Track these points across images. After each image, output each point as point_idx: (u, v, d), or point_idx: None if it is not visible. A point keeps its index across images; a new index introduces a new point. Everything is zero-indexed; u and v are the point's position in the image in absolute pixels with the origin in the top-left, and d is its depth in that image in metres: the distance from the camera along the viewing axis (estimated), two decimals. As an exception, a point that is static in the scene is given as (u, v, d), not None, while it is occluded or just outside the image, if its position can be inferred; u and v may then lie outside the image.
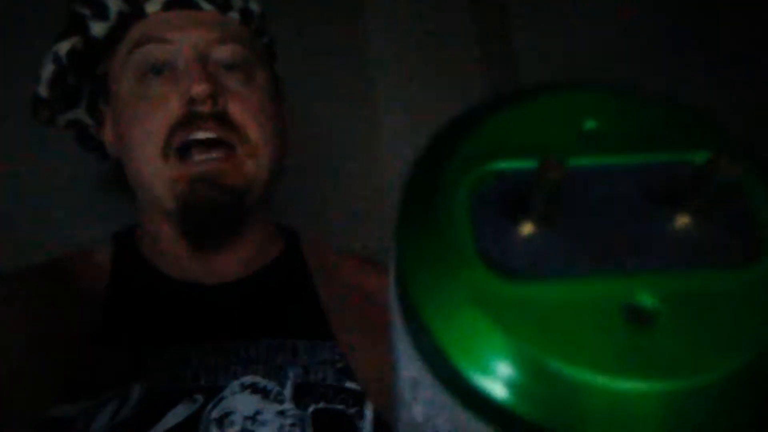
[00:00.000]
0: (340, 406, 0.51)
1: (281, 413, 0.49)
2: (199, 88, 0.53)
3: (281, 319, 0.56)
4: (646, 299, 0.12)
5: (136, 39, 0.57)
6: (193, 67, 0.55)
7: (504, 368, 0.12)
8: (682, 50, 0.92)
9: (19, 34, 0.79)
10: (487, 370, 0.12)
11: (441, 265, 0.13)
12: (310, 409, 0.50)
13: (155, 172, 0.55)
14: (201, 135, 0.54)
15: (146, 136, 0.55)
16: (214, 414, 0.48)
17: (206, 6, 0.59)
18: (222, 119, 0.55)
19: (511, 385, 0.12)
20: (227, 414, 0.48)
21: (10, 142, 0.77)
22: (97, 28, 0.58)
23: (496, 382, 0.12)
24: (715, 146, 0.15)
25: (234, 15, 0.61)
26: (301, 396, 0.50)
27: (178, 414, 0.48)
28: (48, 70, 0.59)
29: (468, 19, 0.99)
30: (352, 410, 0.51)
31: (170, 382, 0.50)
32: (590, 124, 0.15)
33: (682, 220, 0.14)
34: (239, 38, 0.59)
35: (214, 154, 0.54)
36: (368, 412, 0.51)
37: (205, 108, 0.54)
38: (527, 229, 0.14)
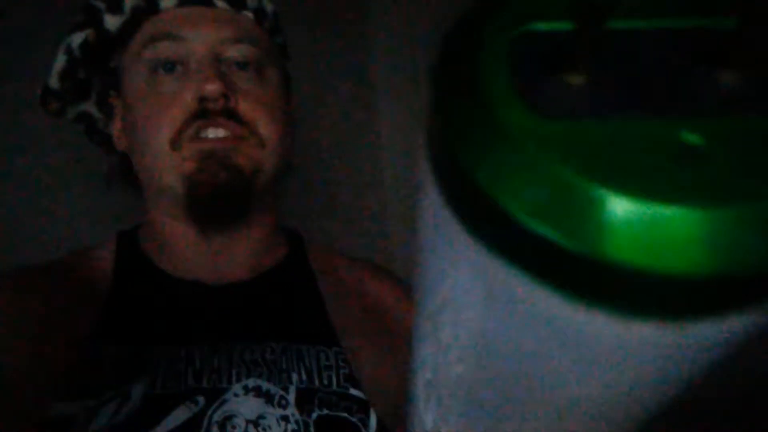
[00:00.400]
0: (343, 414, 0.50)
1: (284, 418, 0.48)
2: (212, 87, 0.53)
3: (286, 322, 0.56)
4: (693, 138, 0.13)
5: (149, 35, 0.57)
6: (206, 65, 0.55)
7: (548, 199, 0.12)
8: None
9: (22, 32, 0.79)
10: (530, 205, 0.12)
11: (483, 112, 0.13)
12: (314, 415, 0.49)
13: (165, 160, 0.55)
14: (211, 133, 0.55)
15: (158, 129, 0.55)
16: (216, 417, 0.47)
17: (220, 3, 0.59)
18: (232, 116, 0.55)
19: (555, 218, 0.12)
20: (229, 417, 0.48)
21: (14, 139, 0.77)
22: (111, 22, 0.58)
23: (540, 216, 0.12)
24: (745, 8, 0.15)
25: (248, 14, 0.61)
26: (304, 402, 0.50)
27: (178, 416, 0.47)
28: (60, 61, 0.59)
29: None
30: (356, 417, 0.50)
31: (172, 382, 0.49)
32: None
33: (723, 76, 0.14)
34: (252, 37, 0.59)
35: (222, 136, 0.55)
36: (372, 420, 0.50)
37: (216, 106, 0.54)
38: (568, 80, 0.14)
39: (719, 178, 0.12)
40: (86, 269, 0.57)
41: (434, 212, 0.15)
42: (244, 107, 0.56)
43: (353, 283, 0.63)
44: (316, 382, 0.51)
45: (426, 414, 0.26)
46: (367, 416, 0.51)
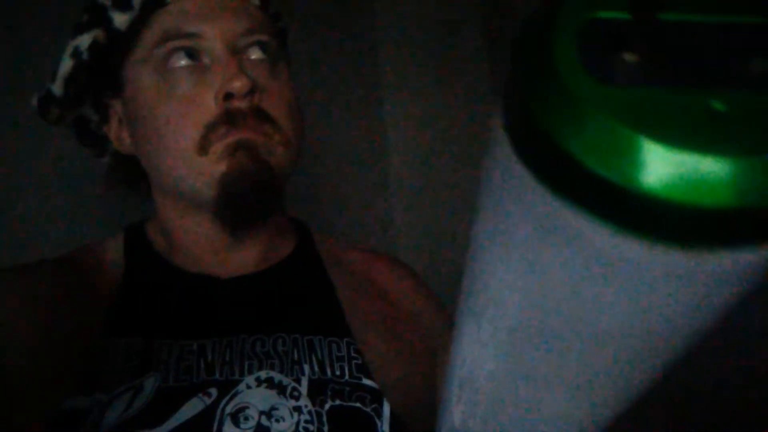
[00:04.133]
0: (356, 404, 0.50)
1: (297, 409, 0.48)
2: (239, 84, 0.50)
3: (297, 314, 0.55)
4: (719, 105, 0.16)
5: (159, 33, 0.54)
6: (227, 60, 0.52)
7: (602, 144, 0.15)
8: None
9: (20, 34, 0.77)
10: (589, 148, 0.15)
11: (554, 82, 0.16)
12: (327, 406, 0.49)
13: (191, 165, 0.52)
14: (245, 134, 0.52)
15: (181, 133, 0.52)
16: (229, 408, 0.47)
17: None
18: (260, 115, 0.52)
19: (606, 157, 0.15)
20: (242, 409, 0.47)
21: (14, 139, 0.76)
22: (120, 20, 0.54)
23: (596, 156, 0.15)
24: None
25: (254, 1, 0.58)
26: (317, 392, 0.49)
27: (191, 408, 0.47)
28: (66, 66, 0.55)
29: (477, 31, 0.98)
30: (369, 408, 0.50)
31: (184, 375, 0.49)
32: None
33: (758, 62, 0.17)
34: (264, 27, 0.56)
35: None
36: (386, 410, 0.50)
37: (243, 104, 0.51)
38: (625, 57, 0.17)
39: (738, 135, 0.15)
40: (96, 263, 0.57)
41: (502, 166, 0.18)
42: (267, 104, 0.53)
43: (363, 272, 0.62)
44: (329, 373, 0.51)
45: (456, 410, 0.27)
46: (381, 406, 0.50)
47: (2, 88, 0.77)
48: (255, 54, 0.55)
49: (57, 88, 0.57)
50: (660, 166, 0.15)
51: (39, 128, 0.63)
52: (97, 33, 0.54)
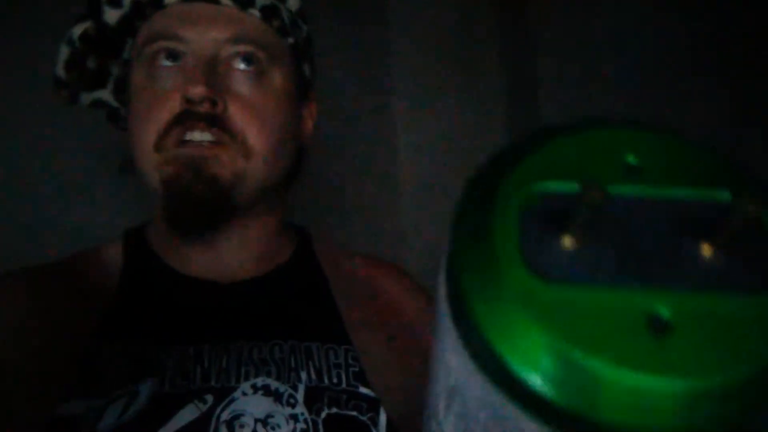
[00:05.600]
0: (353, 412, 0.49)
1: (293, 417, 0.48)
2: (195, 90, 0.52)
3: (295, 320, 0.55)
4: (665, 311, 0.15)
5: (151, 33, 0.56)
6: (196, 66, 0.54)
7: (540, 359, 0.14)
8: (702, 73, 0.91)
9: (24, 33, 0.77)
10: (526, 360, 0.14)
11: (490, 268, 0.15)
12: (323, 414, 0.48)
13: (149, 161, 0.54)
14: (192, 136, 0.53)
15: (146, 127, 0.55)
16: (224, 416, 0.47)
17: (224, 0, 0.56)
18: (215, 122, 0.53)
19: (545, 374, 0.14)
20: (238, 416, 0.47)
21: (36, 138, 0.76)
22: (110, 15, 0.58)
23: (533, 370, 0.14)
24: (737, 186, 0.17)
25: (254, 12, 0.58)
26: (313, 400, 0.49)
27: (187, 415, 0.47)
28: (63, 52, 0.59)
29: (491, 39, 0.98)
30: (365, 416, 0.50)
31: (180, 381, 0.49)
32: (631, 159, 0.17)
33: (706, 249, 0.16)
34: (255, 38, 0.57)
35: (204, 143, 0.54)
36: (382, 419, 0.50)
37: (201, 109, 0.53)
38: (567, 242, 0.16)
39: (685, 353, 0.14)
40: (94, 268, 0.57)
41: (449, 335, 0.17)
42: (234, 113, 0.54)
43: (362, 279, 0.62)
44: (326, 381, 0.51)
45: (446, 422, 0.26)
46: (377, 415, 0.50)
47: (12, 86, 0.77)
48: (239, 64, 0.56)
49: (59, 72, 0.60)
50: (596, 384, 0.14)
51: (51, 126, 0.64)
52: (88, 24, 0.58)
